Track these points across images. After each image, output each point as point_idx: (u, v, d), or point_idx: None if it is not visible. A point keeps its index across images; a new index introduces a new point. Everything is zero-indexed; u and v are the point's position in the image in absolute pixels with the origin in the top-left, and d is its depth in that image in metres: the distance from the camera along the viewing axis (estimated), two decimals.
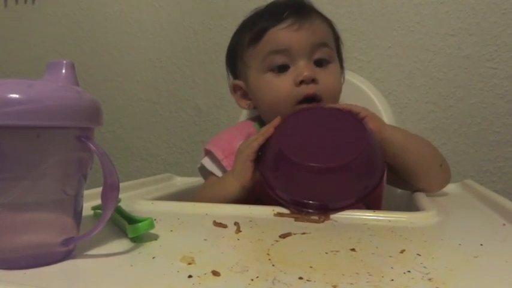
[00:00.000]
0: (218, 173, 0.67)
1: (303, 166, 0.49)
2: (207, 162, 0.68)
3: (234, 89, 0.72)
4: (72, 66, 0.34)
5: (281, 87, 0.63)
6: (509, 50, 0.97)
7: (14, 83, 0.30)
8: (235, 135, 0.68)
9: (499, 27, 0.97)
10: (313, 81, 0.62)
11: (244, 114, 0.89)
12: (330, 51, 0.65)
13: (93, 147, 0.32)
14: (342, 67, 0.71)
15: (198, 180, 0.79)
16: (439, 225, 0.44)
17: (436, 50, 1.02)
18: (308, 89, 0.62)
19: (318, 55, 0.64)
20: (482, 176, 0.99)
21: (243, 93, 0.71)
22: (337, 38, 0.71)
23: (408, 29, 1.03)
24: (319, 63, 0.64)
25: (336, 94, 0.66)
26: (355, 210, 0.48)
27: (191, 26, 1.23)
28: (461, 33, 1.00)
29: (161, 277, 0.30)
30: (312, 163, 0.49)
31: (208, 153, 0.68)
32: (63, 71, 0.34)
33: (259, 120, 0.72)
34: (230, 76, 0.75)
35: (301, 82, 0.62)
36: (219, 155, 0.66)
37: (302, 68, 0.62)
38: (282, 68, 0.64)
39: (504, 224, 0.44)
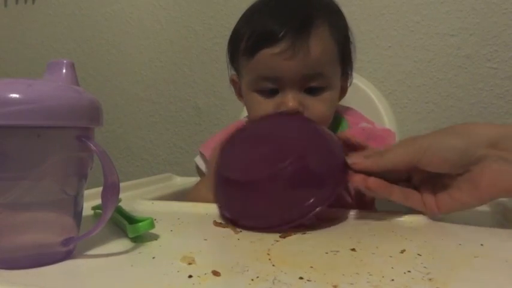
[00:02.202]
0: (208, 172, 0.68)
1: (224, 178, 0.45)
2: (199, 162, 0.69)
3: (232, 82, 0.71)
4: (72, 66, 0.34)
5: (264, 112, 0.61)
6: (509, 50, 0.97)
7: (14, 83, 0.30)
8: (227, 134, 0.68)
9: (499, 27, 0.97)
10: (297, 113, 0.59)
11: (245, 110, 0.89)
12: (325, 80, 0.61)
13: (93, 147, 0.32)
14: (350, 74, 0.68)
15: (198, 180, 0.79)
16: (439, 225, 0.44)
17: (436, 50, 1.02)
18: None
19: (310, 85, 0.60)
20: None
21: (239, 89, 0.69)
22: (345, 44, 0.66)
23: (408, 29, 1.03)
24: (312, 91, 0.61)
25: (324, 120, 0.62)
26: (355, 210, 0.48)
27: (191, 26, 1.23)
28: (461, 33, 1.00)
29: (161, 277, 0.30)
30: (232, 175, 0.44)
31: (200, 153, 0.69)
32: (64, 70, 0.34)
33: None
34: (230, 67, 0.72)
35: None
36: (208, 155, 0.66)
37: (288, 99, 0.59)
38: (271, 92, 0.61)
39: (504, 224, 0.44)
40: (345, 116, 0.70)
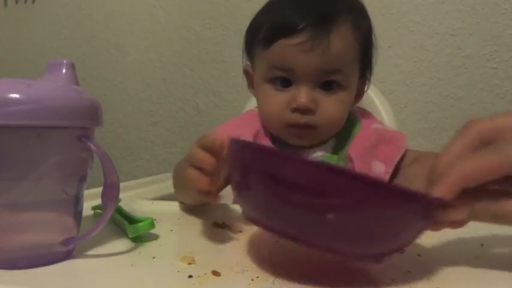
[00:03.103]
0: None
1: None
2: None
3: (245, 72, 0.68)
4: (72, 66, 0.34)
5: (275, 105, 0.59)
6: (509, 50, 0.97)
7: (14, 83, 0.30)
8: (240, 124, 0.65)
9: (499, 27, 0.97)
10: (308, 111, 0.57)
11: (252, 102, 0.87)
12: (343, 77, 0.59)
13: (93, 147, 0.32)
14: (369, 79, 0.67)
15: None
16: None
17: (436, 50, 1.02)
18: (300, 119, 0.58)
19: (327, 78, 0.58)
20: None
21: (252, 80, 0.67)
22: (368, 47, 0.64)
23: (408, 29, 1.03)
24: (327, 87, 0.58)
25: (336, 123, 0.61)
26: None
27: (191, 26, 1.23)
28: (461, 33, 1.00)
29: (161, 277, 0.30)
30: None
31: None
32: (64, 70, 0.34)
33: None
34: (245, 56, 0.70)
35: (295, 109, 0.58)
36: None
37: (300, 94, 0.57)
38: (284, 83, 0.59)
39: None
40: (358, 116, 0.68)
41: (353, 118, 0.67)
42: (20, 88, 0.29)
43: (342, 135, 0.65)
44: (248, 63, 0.68)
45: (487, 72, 0.99)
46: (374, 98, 0.85)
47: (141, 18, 1.29)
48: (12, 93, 0.29)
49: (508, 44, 0.97)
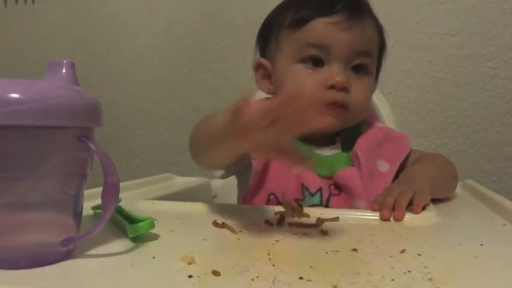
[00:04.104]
0: None
1: None
2: None
3: (258, 66, 0.66)
4: (72, 66, 0.34)
5: (308, 85, 0.58)
6: (509, 50, 0.97)
7: (14, 83, 0.30)
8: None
9: (499, 27, 0.97)
10: (344, 89, 0.57)
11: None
12: (371, 61, 0.61)
13: (93, 147, 0.32)
14: (376, 79, 0.67)
15: (198, 180, 0.79)
16: (439, 225, 0.44)
17: (436, 50, 1.02)
18: (337, 96, 0.57)
19: (357, 61, 0.59)
20: (482, 176, 0.99)
21: (265, 74, 0.66)
22: (382, 49, 0.66)
23: (408, 29, 1.03)
24: (357, 69, 0.60)
25: (364, 108, 0.62)
26: (355, 210, 0.48)
27: (191, 26, 1.23)
28: (461, 33, 1.00)
29: (161, 277, 0.30)
30: None
31: None
32: (64, 70, 0.34)
33: None
34: (258, 52, 0.69)
35: (331, 86, 0.57)
36: None
37: (336, 71, 0.57)
38: (316, 63, 0.59)
39: (504, 224, 0.44)
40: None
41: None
42: (20, 88, 0.29)
43: (350, 133, 0.65)
44: (259, 57, 0.67)
45: (487, 72, 0.99)
46: (374, 98, 0.85)
47: (141, 18, 1.29)
48: (12, 93, 0.29)
49: (508, 44, 0.97)
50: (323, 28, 0.58)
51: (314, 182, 0.60)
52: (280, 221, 0.44)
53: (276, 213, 0.48)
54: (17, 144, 0.30)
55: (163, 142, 1.28)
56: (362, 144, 0.62)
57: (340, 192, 0.60)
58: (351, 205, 0.59)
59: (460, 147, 1.01)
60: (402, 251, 0.34)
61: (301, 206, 0.48)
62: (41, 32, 1.40)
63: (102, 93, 1.31)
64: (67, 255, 0.33)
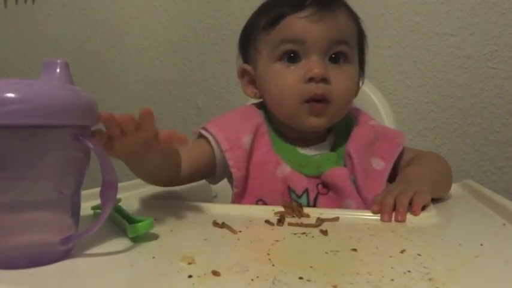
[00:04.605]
0: (219, 160, 0.61)
1: None
2: (213, 143, 0.61)
3: (242, 73, 0.67)
4: (66, 66, 0.34)
5: (288, 81, 0.59)
6: (509, 50, 0.97)
7: (10, 83, 0.30)
8: (243, 125, 0.63)
9: (499, 27, 0.97)
10: (323, 80, 0.57)
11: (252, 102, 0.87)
12: (349, 50, 0.60)
13: (90, 145, 0.32)
14: (362, 70, 0.67)
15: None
16: (439, 225, 0.44)
17: (436, 50, 1.02)
18: (317, 89, 0.57)
19: (335, 50, 0.59)
20: (482, 176, 0.99)
21: (250, 79, 0.67)
22: (361, 38, 0.66)
23: (408, 29, 1.03)
24: (336, 59, 0.60)
25: (348, 97, 0.61)
26: (355, 210, 0.48)
27: (191, 26, 1.23)
28: (461, 33, 1.00)
29: (161, 277, 0.30)
30: None
31: (211, 136, 0.61)
32: (58, 70, 0.34)
33: (265, 107, 0.67)
34: (240, 59, 0.70)
35: (311, 79, 0.57)
36: (223, 144, 0.59)
37: (314, 63, 0.58)
38: (293, 59, 0.59)
39: (504, 224, 0.44)
40: (353, 114, 0.68)
41: (349, 116, 0.67)
42: (16, 88, 0.29)
43: (340, 132, 0.65)
44: (243, 63, 0.68)
45: (487, 72, 0.99)
46: (374, 98, 0.85)
47: (141, 18, 1.29)
48: (8, 92, 0.29)
49: (508, 44, 0.97)
50: (295, 23, 0.59)
51: (299, 183, 0.60)
52: (280, 221, 0.44)
53: (276, 213, 0.48)
54: (13, 144, 0.30)
55: None
56: (354, 143, 0.62)
57: (328, 191, 0.60)
58: (340, 205, 0.58)
59: (460, 147, 1.01)
60: (402, 251, 0.34)
61: (301, 206, 0.48)
62: (41, 32, 1.40)
63: (102, 93, 1.31)
64: (66, 255, 0.33)
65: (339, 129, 0.65)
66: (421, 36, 1.02)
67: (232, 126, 0.63)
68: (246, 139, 0.61)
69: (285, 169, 0.61)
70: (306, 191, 0.59)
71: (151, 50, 1.28)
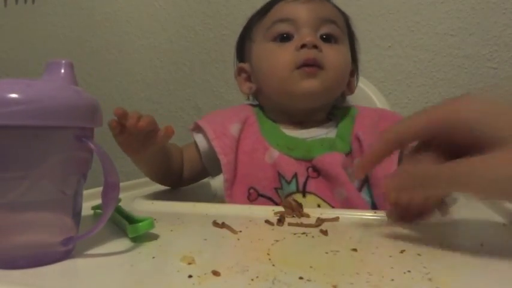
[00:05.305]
0: (206, 151, 0.64)
1: None
2: (199, 139, 0.65)
3: (239, 71, 0.70)
4: (70, 66, 0.34)
5: (281, 55, 0.61)
6: (509, 50, 0.97)
7: (12, 83, 0.30)
8: (231, 116, 0.66)
9: (499, 27, 0.97)
10: (315, 47, 0.59)
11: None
12: (339, 31, 0.63)
13: (93, 147, 0.32)
14: (354, 60, 0.69)
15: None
16: (439, 225, 0.44)
17: (436, 50, 1.02)
18: (308, 54, 0.59)
19: (325, 30, 0.62)
20: None
21: (247, 76, 0.69)
22: (351, 35, 0.69)
23: (408, 29, 1.03)
24: (327, 39, 0.62)
25: (340, 71, 0.62)
26: (355, 210, 0.48)
27: (191, 26, 1.23)
28: (461, 33, 1.00)
29: (161, 277, 0.30)
30: None
31: (200, 129, 0.65)
32: (62, 70, 0.34)
33: (258, 105, 0.71)
34: (237, 61, 0.73)
35: (303, 46, 0.59)
36: (210, 133, 0.62)
37: (305, 34, 0.60)
38: (286, 38, 0.62)
39: (504, 224, 0.44)
40: (351, 106, 0.70)
41: (349, 107, 0.68)
42: (18, 88, 0.29)
43: (343, 118, 0.66)
44: (240, 64, 0.70)
45: (487, 72, 0.99)
46: (374, 98, 0.85)
47: (141, 18, 1.29)
48: (11, 93, 0.29)
49: (508, 44, 0.97)
50: (286, 6, 0.63)
51: (288, 167, 0.59)
52: (280, 221, 0.44)
53: (275, 213, 0.48)
54: (14, 144, 0.30)
55: None
56: (361, 126, 0.62)
57: (318, 176, 0.59)
58: (331, 192, 0.58)
59: None
60: (402, 251, 0.34)
61: (301, 206, 0.48)
62: (41, 32, 1.40)
63: (102, 94, 1.31)
64: (66, 255, 0.33)
65: (342, 116, 0.66)
66: (421, 36, 1.02)
67: (220, 118, 0.65)
68: (233, 127, 0.62)
69: (274, 154, 0.61)
70: (295, 176, 0.59)
71: (151, 50, 1.28)
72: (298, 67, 0.60)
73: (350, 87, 0.69)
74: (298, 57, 0.59)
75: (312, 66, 0.59)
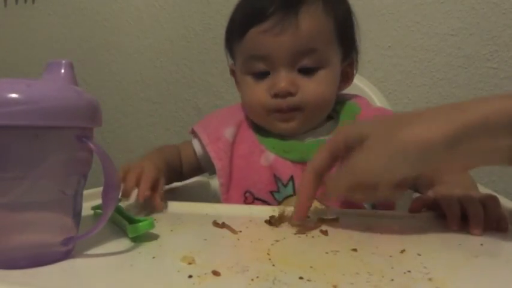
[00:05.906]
0: (202, 156, 0.67)
1: None
2: (196, 144, 0.68)
3: (232, 72, 0.70)
4: (71, 66, 0.34)
5: (256, 95, 0.60)
6: (509, 50, 0.97)
7: (13, 83, 0.30)
8: (226, 119, 0.66)
9: (499, 27, 0.97)
10: (289, 94, 0.58)
11: None
12: (318, 56, 0.58)
13: (93, 147, 0.32)
14: (355, 58, 0.65)
15: (198, 179, 0.79)
16: (439, 225, 0.44)
17: (436, 50, 1.02)
18: (281, 103, 0.58)
19: (303, 63, 0.58)
20: (482, 176, 0.99)
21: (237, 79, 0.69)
22: (344, 26, 0.62)
23: (408, 29, 1.03)
24: (305, 71, 0.59)
25: (323, 102, 0.61)
26: (355, 211, 0.48)
27: (191, 26, 1.23)
28: (461, 33, 1.00)
29: (161, 277, 0.30)
30: None
31: (195, 135, 0.68)
32: (62, 70, 0.34)
33: None
34: (229, 57, 0.71)
35: (275, 95, 0.58)
36: (204, 139, 0.65)
37: (279, 78, 0.58)
38: (262, 75, 0.60)
39: None
40: (356, 101, 0.67)
41: (352, 102, 0.67)
42: (18, 88, 0.29)
43: (345, 118, 0.64)
44: (232, 62, 0.69)
45: (487, 72, 0.99)
46: (374, 98, 0.85)
47: (141, 18, 1.28)
48: (11, 93, 0.29)
49: (508, 44, 0.97)
50: (258, 39, 0.58)
51: (284, 169, 0.59)
52: (280, 221, 0.44)
53: (271, 217, 0.48)
54: (15, 144, 0.30)
55: (163, 142, 1.28)
56: None
57: None
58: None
59: None
60: (402, 251, 0.34)
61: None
62: (41, 32, 1.40)
63: (102, 93, 1.31)
64: (66, 255, 0.33)
65: (344, 114, 0.64)
66: (421, 36, 1.02)
67: (215, 122, 0.66)
68: (228, 131, 0.63)
69: (269, 156, 0.61)
70: (292, 178, 0.59)
71: (151, 50, 1.28)
72: (274, 111, 0.60)
73: (347, 79, 0.66)
74: (272, 105, 0.59)
75: (286, 112, 0.59)
